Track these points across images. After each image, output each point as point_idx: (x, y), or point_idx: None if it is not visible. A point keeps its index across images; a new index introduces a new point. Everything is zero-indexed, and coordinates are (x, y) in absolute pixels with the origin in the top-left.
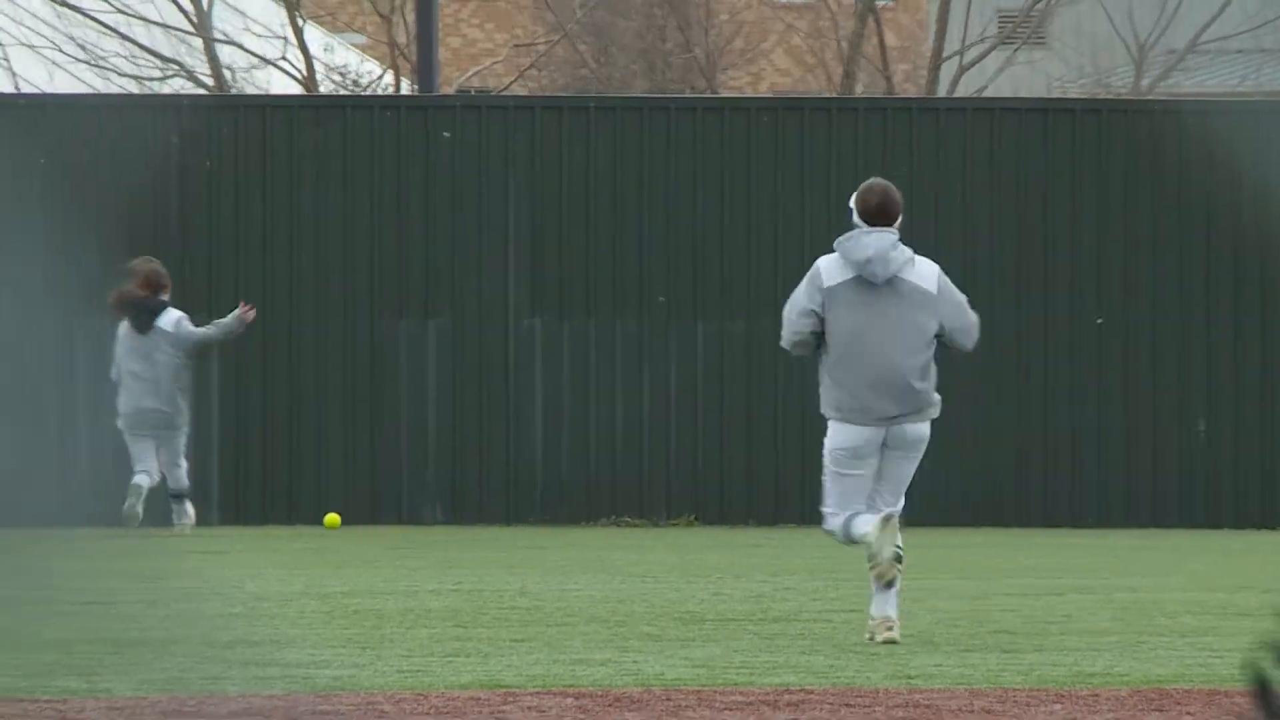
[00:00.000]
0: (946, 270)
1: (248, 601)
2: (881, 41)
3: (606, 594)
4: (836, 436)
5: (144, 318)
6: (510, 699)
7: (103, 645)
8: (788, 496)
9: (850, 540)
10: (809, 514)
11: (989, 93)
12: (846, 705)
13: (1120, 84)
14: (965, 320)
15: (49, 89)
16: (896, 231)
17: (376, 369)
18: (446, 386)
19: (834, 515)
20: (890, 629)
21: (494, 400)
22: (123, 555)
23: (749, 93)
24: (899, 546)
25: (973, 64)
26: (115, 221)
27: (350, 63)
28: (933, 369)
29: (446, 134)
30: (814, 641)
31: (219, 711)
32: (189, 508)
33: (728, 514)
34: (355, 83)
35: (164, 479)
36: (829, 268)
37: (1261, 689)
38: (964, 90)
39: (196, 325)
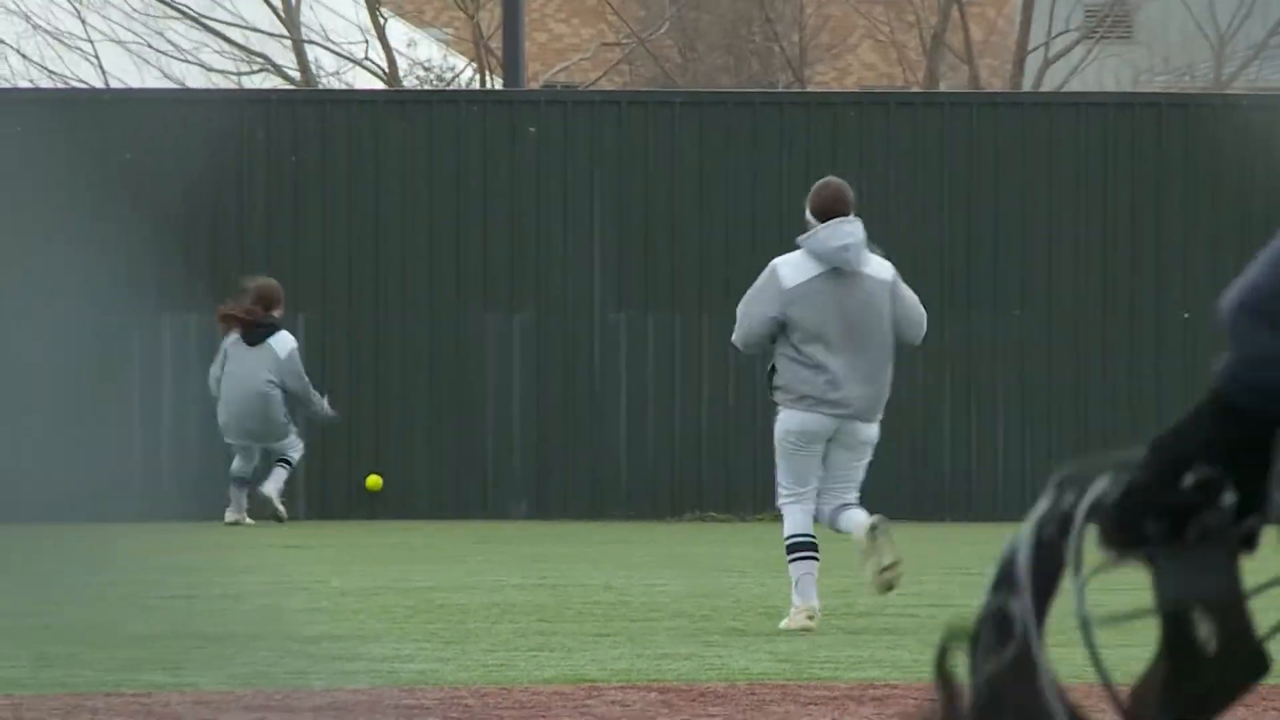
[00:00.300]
0: (1032, 262)
1: (332, 596)
2: (967, 35)
3: (691, 589)
4: (791, 420)
5: (257, 330)
6: (594, 693)
7: (188, 640)
8: (870, 492)
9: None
10: (893, 509)
11: (1074, 86)
12: (931, 700)
13: (1202, 77)
14: (915, 312)
15: (136, 85)
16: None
17: (462, 364)
18: (531, 381)
19: (790, 495)
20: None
21: (579, 395)
22: (206, 549)
23: (835, 87)
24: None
25: (1058, 57)
26: (199, 216)
27: (433, 58)
28: (891, 365)
29: (532, 129)
30: (899, 636)
31: (303, 705)
32: (264, 493)
33: None
34: (439, 77)
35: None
36: (789, 270)
37: (944, 679)
38: (1049, 84)
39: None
